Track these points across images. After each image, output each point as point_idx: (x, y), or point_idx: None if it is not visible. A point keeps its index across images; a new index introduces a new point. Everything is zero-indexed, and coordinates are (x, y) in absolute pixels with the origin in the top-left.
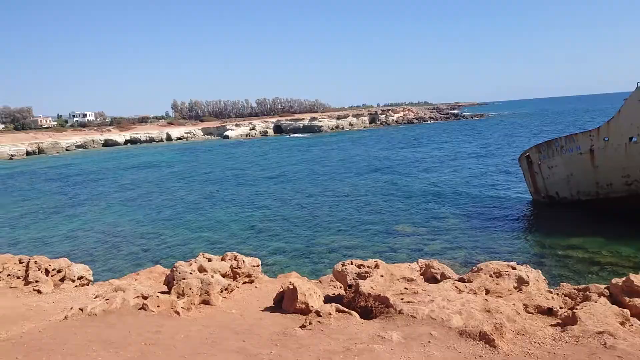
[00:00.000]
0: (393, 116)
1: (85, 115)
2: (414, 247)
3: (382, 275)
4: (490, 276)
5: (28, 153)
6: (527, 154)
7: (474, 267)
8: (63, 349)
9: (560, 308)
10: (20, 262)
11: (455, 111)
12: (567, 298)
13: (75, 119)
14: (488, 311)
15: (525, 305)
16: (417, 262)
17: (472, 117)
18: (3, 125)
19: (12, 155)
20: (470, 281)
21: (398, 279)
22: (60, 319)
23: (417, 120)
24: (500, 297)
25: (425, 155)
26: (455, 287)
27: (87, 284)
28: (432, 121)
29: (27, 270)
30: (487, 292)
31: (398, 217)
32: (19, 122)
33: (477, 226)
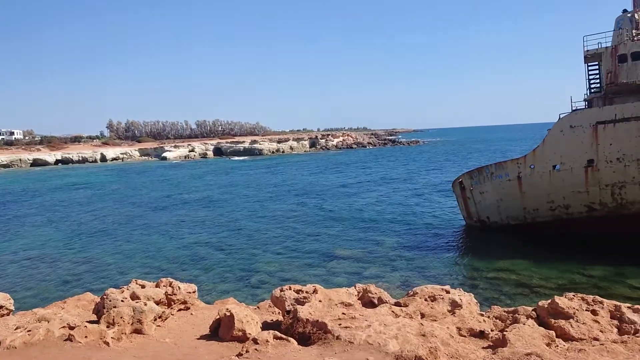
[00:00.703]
0: (333, 141)
1: (12, 133)
2: (352, 270)
3: (320, 301)
4: (426, 300)
5: None
6: (460, 179)
7: (409, 291)
8: None
9: (492, 330)
10: None
11: (393, 137)
12: (497, 320)
13: (1, 137)
14: (423, 335)
15: (459, 329)
16: (355, 287)
17: (408, 143)
18: None
19: None
20: (406, 305)
21: (336, 304)
22: None
23: (356, 145)
24: (435, 320)
25: (362, 179)
26: (392, 311)
27: (8, 314)
28: (370, 147)
29: None
30: (423, 316)
31: (336, 241)
32: None
33: (412, 249)
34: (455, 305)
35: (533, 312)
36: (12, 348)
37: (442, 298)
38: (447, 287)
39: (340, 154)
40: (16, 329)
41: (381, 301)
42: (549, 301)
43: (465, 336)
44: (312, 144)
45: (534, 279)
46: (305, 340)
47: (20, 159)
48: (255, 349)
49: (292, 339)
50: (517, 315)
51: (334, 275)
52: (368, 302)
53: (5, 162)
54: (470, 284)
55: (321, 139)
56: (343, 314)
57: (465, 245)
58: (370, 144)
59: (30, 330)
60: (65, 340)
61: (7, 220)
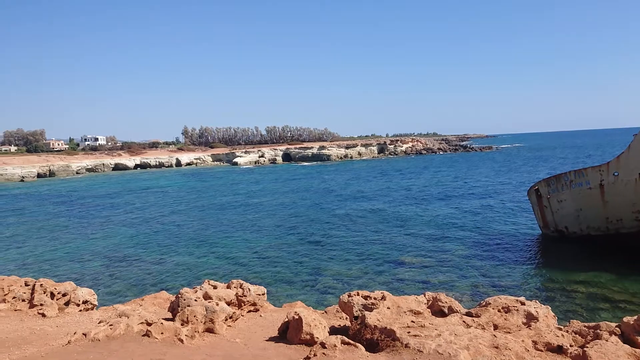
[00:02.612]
0: (402, 146)
1: (96, 139)
2: (421, 278)
3: (388, 308)
4: (499, 311)
5: (39, 175)
6: (536, 187)
7: (482, 302)
8: None
9: (571, 346)
10: (26, 284)
11: (464, 143)
12: (577, 336)
13: (86, 143)
14: (496, 347)
15: (535, 342)
16: (424, 295)
17: (480, 149)
18: (16, 148)
19: (23, 177)
20: (478, 316)
21: (405, 312)
22: (64, 344)
23: (425, 151)
24: (509, 333)
25: (434, 186)
26: (463, 321)
27: (92, 309)
28: (440, 152)
29: (32, 293)
30: (496, 327)
31: (405, 248)
32: (32, 144)
33: (485, 259)
34: (530, 318)
35: (617, 329)
36: (95, 340)
37: (517, 310)
38: (522, 299)
39: (409, 159)
40: (99, 322)
41: (452, 310)
42: (635, 317)
43: (541, 350)
44: (381, 150)
45: (617, 294)
46: (373, 346)
47: (103, 164)
48: (323, 353)
49: (359, 345)
50: (599, 331)
51: (402, 283)
52: (438, 311)
53: (90, 167)
54: (547, 296)
55: (390, 144)
56: (412, 322)
57: (542, 256)
58: (441, 149)
59: (112, 325)
60: (143, 335)
61: (92, 221)
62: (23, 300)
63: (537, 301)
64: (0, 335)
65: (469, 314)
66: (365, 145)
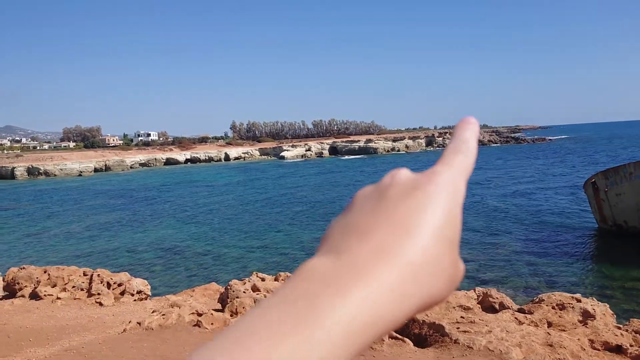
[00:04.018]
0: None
1: (149, 135)
2: (470, 273)
3: None
4: (553, 308)
5: (96, 170)
6: (593, 180)
7: (535, 298)
8: None
9: (631, 346)
10: (85, 274)
11: (516, 134)
12: (637, 335)
13: (140, 138)
14: (550, 345)
15: (591, 341)
16: (474, 290)
17: (533, 140)
18: (74, 144)
19: (81, 172)
20: (531, 312)
21: (454, 307)
22: (119, 332)
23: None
24: (564, 331)
25: (481, 177)
26: (515, 318)
27: (146, 299)
28: (491, 144)
29: (90, 283)
30: (550, 324)
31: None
32: (89, 140)
33: (538, 254)
34: (587, 316)
35: None
36: (149, 329)
37: (572, 307)
38: (578, 296)
39: None
40: (153, 312)
41: (503, 307)
42: None
43: (599, 350)
44: (429, 142)
45: None
46: (421, 341)
47: (155, 158)
48: (371, 347)
49: (407, 340)
50: None
51: None
52: (488, 307)
53: (143, 161)
54: (604, 294)
55: (438, 137)
56: (462, 317)
57: (598, 252)
58: (491, 141)
59: (164, 314)
60: (194, 325)
61: (144, 214)
62: (82, 290)
63: (593, 298)
64: (61, 322)
65: (521, 311)
66: (413, 138)
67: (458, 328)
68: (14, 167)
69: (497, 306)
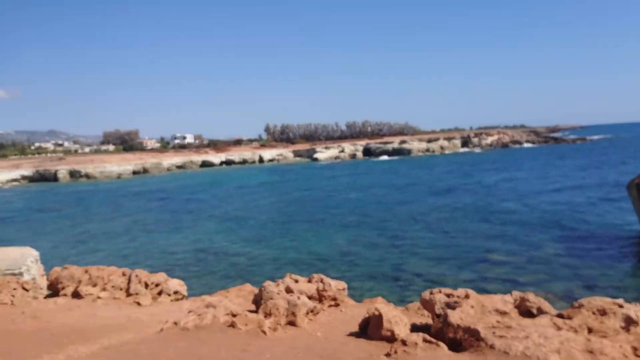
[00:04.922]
0: (487, 139)
1: (185, 138)
2: (506, 277)
3: (472, 306)
4: (594, 313)
5: (134, 172)
6: (637, 181)
7: (574, 303)
8: None
9: None
10: (124, 274)
11: (554, 134)
12: None
13: (176, 141)
14: (590, 352)
15: (635, 349)
16: (511, 294)
17: (573, 140)
18: (113, 147)
19: (120, 174)
20: (570, 318)
21: (490, 311)
22: (157, 332)
23: (512, 144)
24: (605, 337)
25: (520, 178)
26: (553, 323)
27: (182, 299)
28: (529, 145)
29: (129, 283)
30: (590, 330)
31: (489, 244)
32: (127, 143)
33: (577, 258)
34: (630, 322)
35: None
36: (185, 329)
37: (614, 313)
38: (620, 301)
39: (494, 153)
40: (189, 312)
41: (541, 311)
42: None
43: None
44: (464, 143)
45: None
46: (455, 346)
47: (191, 161)
48: (404, 351)
49: (442, 344)
50: None
51: (485, 281)
52: (525, 312)
53: (179, 164)
54: None
55: (474, 137)
56: (498, 322)
57: None
58: (529, 142)
59: (200, 315)
60: (229, 326)
61: (181, 215)
62: (121, 289)
63: (637, 304)
64: (101, 321)
65: (560, 316)
66: (448, 139)
67: (494, 333)
68: (57, 170)
69: (534, 311)
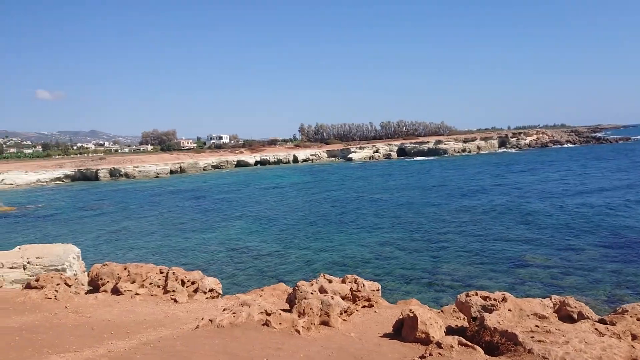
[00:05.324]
0: (525, 139)
1: (221, 138)
2: (545, 280)
3: (510, 310)
4: (638, 319)
5: (171, 172)
6: None
7: (617, 308)
8: (193, 357)
9: None
10: (161, 272)
11: (597, 134)
12: None
13: (212, 141)
14: (635, 359)
15: None
16: (550, 298)
17: (616, 140)
18: (151, 147)
19: (158, 174)
20: (613, 323)
21: (528, 315)
22: (192, 328)
23: (552, 144)
24: None
25: (560, 180)
26: (595, 329)
27: (217, 297)
28: (569, 145)
29: (166, 281)
30: (634, 337)
31: (528, 246)
32: (165, 143)
33: (620, 261)
34: None
35: None
36: (220, 327)
37: None
38: None
39: (533, 153)
40: (224, 310)
41: (582, 316)
42: None
43: None
44: (502, 143)
45: None
46: (492, 350)
47: (227, 160)
48: (439, 353)
49: (478, 347)
50: None
51: (523, 284)
52: (565, 316)
53: (215, 163)
54: None
55: (512, 137)
56: (536, 326)
57: None
58: (570, 142)
59: (235, 313)
60: (263, 324)
61: (216, 214)
62: (158, 287)
63: None
64: (139, 317)
65: (602, 321)
66: (485, 139)
67: (532, 337)
68: (97, 169)
69: (575, 315)
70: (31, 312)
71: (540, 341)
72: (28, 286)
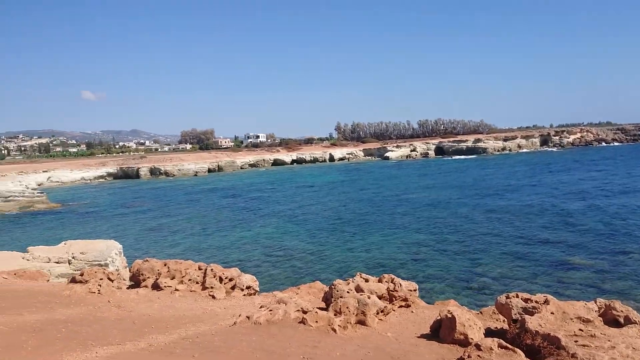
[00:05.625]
0: (568, 137)
1: (258, 137)
2: (589, 283)
3: (552, 313)
4: None
5: (209, 170)
6: None
7: None
8: (231, 353)
9: None
10: (200, 269)
11: None
12: None
13: (249, 140)
14: None
15: None
16: (595, 302)
17: None
18: (190, 146)
19: (196, 172)
20: None
21: (571, 319)
22: (230, 325)
23: (596, 142)
24: None
25: (604, 180)
26: None
27: (254, 294)
28: (615, 143)
29: (204, 277)
30: None
31: (571, 248)
32: (203, 142)
33: None
34: None
35: None
36: (257, 323)
37: None
38: None
39: (577, 151)
40: (260, 307)
41: (629, 321)
42: None
43: None
44: (544, 142)
45: None
46: (533, 353)
47: (263, 159)
48: (478, 356)
49: (518, 350)
50: None
51: (565, 287)
52: (611, 321)
53: (252, 162)
54: None
55: (554, 135)
56: (580, 330)
57: None
58: (616, 140)
59: (271, 310)
60: (299, 322)
61: (253, 212)
62: (197, 283)
63: None
64: (179, 312)
65: None
66: (526, 137)
67: (576, 341)
68: (139, 168)
69: (621, 320)
70: (76, 306)
71: (584, 345)
72: (73, 280)
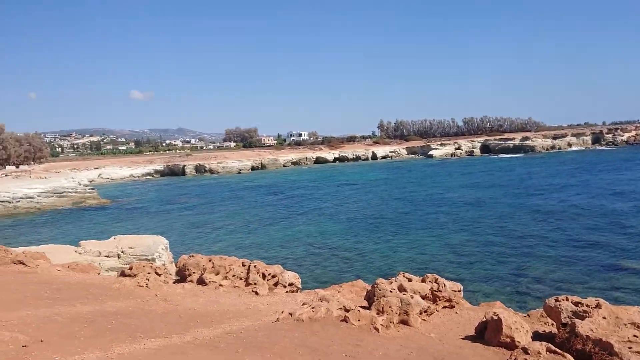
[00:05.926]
0: (622, 135)
1: (300, 135)
2: None
3: (604, 317)
4: None
5: (253, 168)
6: None
7: None
8: (274, 349)
9: None
10: (243, 265)
11: None
12: None
13: (292, 138)
14: None
15: None
16: None
17: None
18: (234, 144)
19: (240, 170)
20: None
21: (625, 324)
22: (273, 321)
23: None
24: None
25: None
26: None
27: (296, 291)
28: None
29: (248, 273)
30: None
31: (622, 251)
32: (247, 140)
33: None
34: None
35: None
36: (299, 320)
37: None
38: None
39: (632, 150)
40: (303, 304)
41: None
42: None
43: None
44: (596, 140)
45: None
46: (584, 359)
47: (306, 157)
48: (525, 359)
49: (568, 355)
50: None
51: (617, 291)
52: None
53: (294, 160)
54: None
55: (607, 133)
56: (634, 336)
57: None
58: None
59: (314, 308)
60: (341, 320)
61: (296, 209)
62: (240, 279)
63: None
64: (223, 308)
65: None
66: (577, 135)
67: (630, 348)
68: (184, 165)
69: None
70: (125, 298)
71: (639, 353)
72: (122, 274)
